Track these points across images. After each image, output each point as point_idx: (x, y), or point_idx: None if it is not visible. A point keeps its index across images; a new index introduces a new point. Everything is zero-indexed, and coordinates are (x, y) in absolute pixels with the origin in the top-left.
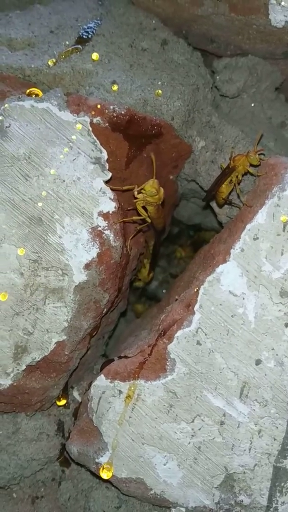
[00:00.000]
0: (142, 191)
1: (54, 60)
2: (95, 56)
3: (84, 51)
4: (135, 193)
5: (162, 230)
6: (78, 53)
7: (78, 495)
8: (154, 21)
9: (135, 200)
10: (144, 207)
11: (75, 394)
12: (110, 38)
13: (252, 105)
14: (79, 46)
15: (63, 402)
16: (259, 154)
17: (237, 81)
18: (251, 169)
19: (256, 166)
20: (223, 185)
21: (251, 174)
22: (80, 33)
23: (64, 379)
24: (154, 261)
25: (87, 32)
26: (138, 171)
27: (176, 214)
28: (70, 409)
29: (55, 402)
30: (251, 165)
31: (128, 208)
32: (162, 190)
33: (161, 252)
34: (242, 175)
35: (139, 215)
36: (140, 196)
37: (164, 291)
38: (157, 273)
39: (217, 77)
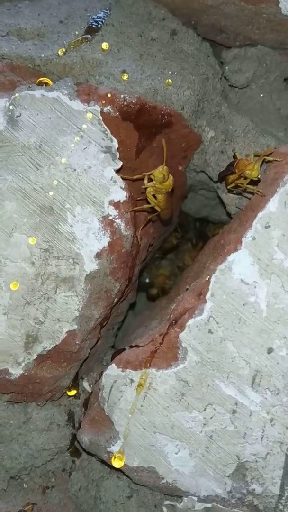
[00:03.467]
0: (152, 177)
1: (64, 50)
2: (104, 45)
3: (94, 41)
4: (145, 180)
5: (168, 220)
6: (88, 42)
7: (89, 485)
8: (163, 11)
9: (144, 186)
10: (153, 196)
11: (85, 384)
12: (120, 28)
13: (261, 95)
14: (89, 35)
15: (73, 392)
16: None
17: (246, 72)
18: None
19: (256, 182)
20: (229, 176)
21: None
22: (90, 23)
23: (74, 369)
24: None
25: (96, 22)
26: (148, 161)
27: (183, 206)
28: (80, 399)
29: (66, 392)
30: (252, 180)
31: (138, 198)
32: (171, 177)
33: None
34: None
35: (149, 203)
36: (150, 184)
37: (171, 283)
38: (164, 266)
39: (226, 68)
